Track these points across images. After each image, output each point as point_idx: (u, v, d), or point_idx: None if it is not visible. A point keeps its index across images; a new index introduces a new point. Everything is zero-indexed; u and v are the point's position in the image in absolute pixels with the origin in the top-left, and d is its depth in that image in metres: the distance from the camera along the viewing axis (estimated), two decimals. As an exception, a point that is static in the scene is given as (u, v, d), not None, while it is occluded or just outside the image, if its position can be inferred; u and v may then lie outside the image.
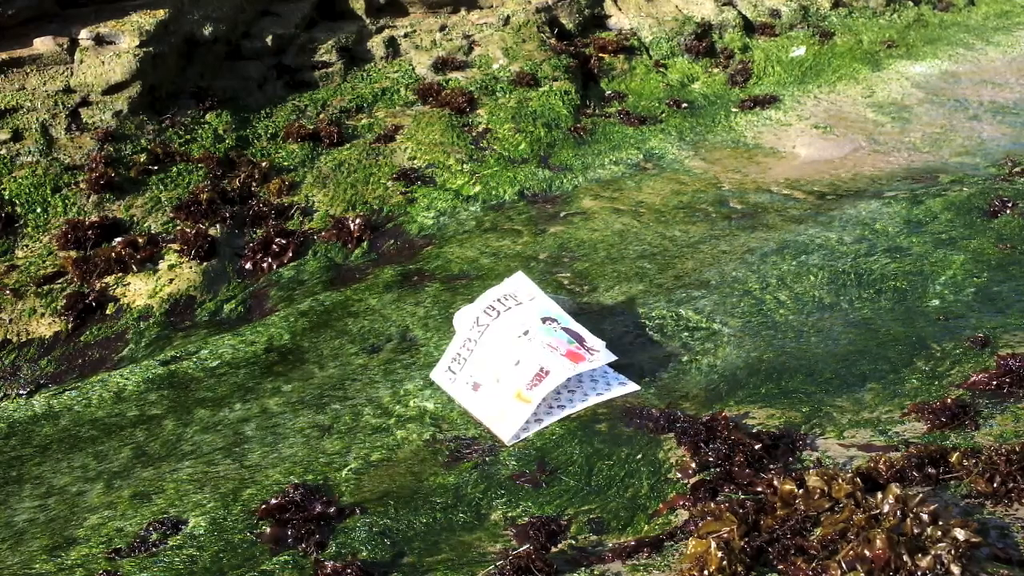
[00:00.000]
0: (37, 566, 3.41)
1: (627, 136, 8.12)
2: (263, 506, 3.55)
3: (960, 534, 2.45)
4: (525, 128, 8.01)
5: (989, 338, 4.21)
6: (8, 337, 5.51)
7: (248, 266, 6.24)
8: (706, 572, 2.62)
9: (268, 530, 3.44)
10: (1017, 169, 6.79)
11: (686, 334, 4.74)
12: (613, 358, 4.28)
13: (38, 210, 6.41)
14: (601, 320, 4.92)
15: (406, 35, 9.30)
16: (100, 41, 7.49)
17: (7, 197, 6.41)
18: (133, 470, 4.09)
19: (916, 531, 2.50)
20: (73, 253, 6.07)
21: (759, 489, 3.13)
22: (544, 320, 4.40)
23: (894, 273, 5.10)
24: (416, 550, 3.30)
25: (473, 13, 9.79)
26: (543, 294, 4.64)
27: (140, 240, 6.17)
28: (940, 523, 2.52)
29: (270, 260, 6.25)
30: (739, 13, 10.31)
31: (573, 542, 3.24)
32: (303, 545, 3.34)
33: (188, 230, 6.24)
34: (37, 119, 6.96)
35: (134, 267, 5.99)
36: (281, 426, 4.32)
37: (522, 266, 5.81)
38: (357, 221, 6.59)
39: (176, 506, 3.69)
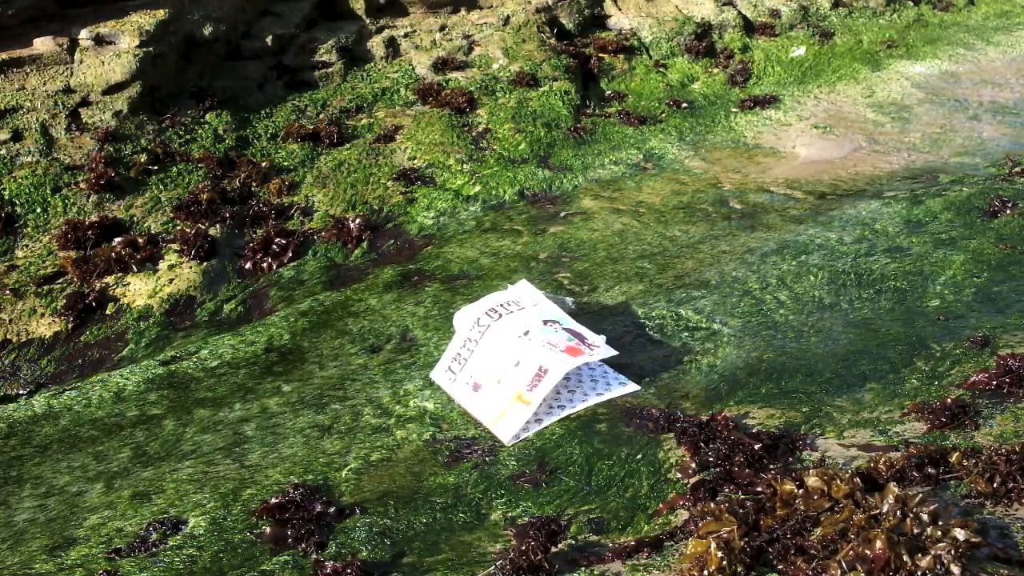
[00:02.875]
0: (37, 566, 3.41)
1: (627, 136, 8.12)
2: (263, 506, 3.55)
3: (960, 534, 2.44)
4: (525, 128, 8.01)
5: (989, 338, 4.21)
6: (8, 337, 5.51)
7: (248, 266, 6.24)
8: (706, 572, 2.62)
9: (268, 530, 3.44)
10: (1017, 169, 6.79)
11: (686, 334, 4.73)
12: (614, 352, 4.28)
13: (38, 210, 6.41)
14: (601, 320, 4.92)
15: (406, 35, 9.30)
16: (100, 41, 7.49)
17: (7, 197, 6.42)
18: (133, 470, 4.09)
19: (916, 531, 2.50)
20: (73, 253, 6.07)
21: (759, 489, 3.13)
22: (545, 322, 4.39)
23: (894, 273, 5.10)
24: (416, 550, 3.30)
25: (473, 13, 9.79)
26: (546, 299, 4.64)
27: (140, 240, 6.17)
28: (940, 523, 2.52)
29: (270, 260, 6.25)
30: (739, 13, 10.31)
31: (573, 542, 3.24)
32: (303, 545, 3.34)
33: (188, 230, 6.24)
34: (37, 119, 6.96)
35: (134, 267, 5.99)
36: (281, 426, 4.32)
37: (522, 266, 5.82)
38: (357, 221, 6.59)
39: (176, 506, 3.69)
